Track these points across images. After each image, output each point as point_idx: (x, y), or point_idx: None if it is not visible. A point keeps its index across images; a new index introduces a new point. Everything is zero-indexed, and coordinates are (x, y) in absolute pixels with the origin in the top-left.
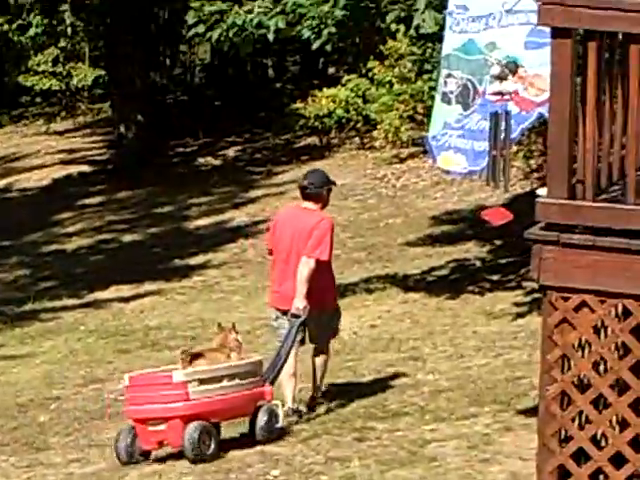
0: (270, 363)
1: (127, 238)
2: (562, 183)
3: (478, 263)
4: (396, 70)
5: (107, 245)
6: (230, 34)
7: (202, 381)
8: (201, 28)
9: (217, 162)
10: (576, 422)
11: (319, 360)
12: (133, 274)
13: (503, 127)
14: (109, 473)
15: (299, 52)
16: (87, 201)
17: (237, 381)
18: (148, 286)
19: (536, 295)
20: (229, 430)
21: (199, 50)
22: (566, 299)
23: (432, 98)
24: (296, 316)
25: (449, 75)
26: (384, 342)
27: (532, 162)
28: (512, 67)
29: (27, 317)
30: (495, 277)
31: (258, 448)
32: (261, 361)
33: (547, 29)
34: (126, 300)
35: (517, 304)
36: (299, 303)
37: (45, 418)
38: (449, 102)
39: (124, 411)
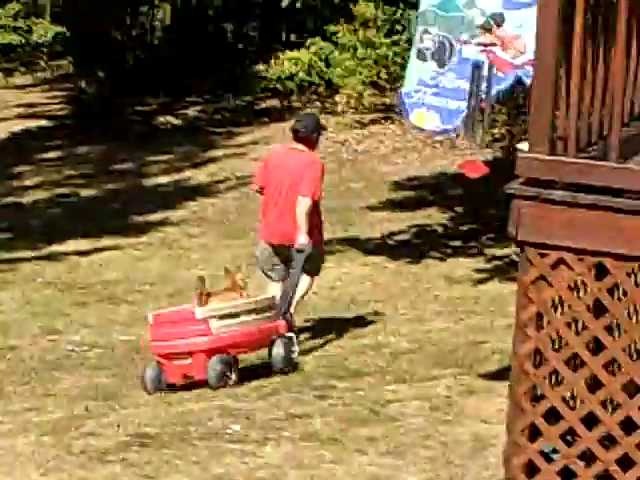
0: (280, 298)
1: (85, 193)
2: (544, 139)
3: (439, 229)
4: (360, 34)
5: (65, 199)
6: None
7: (222, 317)
8: None
9: (177, 122)
10: (548, 381)
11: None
12: (91, 229)
13: (483, 80)
14: (66, 422)
15: (259, 18)
16: (46, 155)
17: (254, 316)
18: (106, 241)
19: (497, 262)
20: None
21: (159, 12)
22: (543, 256)
23: (395, 64)
24: (300, 251)
25: (425, 31)
26: (344, 304)
27: (495, 131)
28: (498, 18)
29: None
30: (456, 243)
31: (217, 402)
32: (274, 297)
33: None
34: (83, 254)
35: (478, 270)
36: (303, 239)
37: (1, 367)
38: (424, 59)
39: (150, 347)
